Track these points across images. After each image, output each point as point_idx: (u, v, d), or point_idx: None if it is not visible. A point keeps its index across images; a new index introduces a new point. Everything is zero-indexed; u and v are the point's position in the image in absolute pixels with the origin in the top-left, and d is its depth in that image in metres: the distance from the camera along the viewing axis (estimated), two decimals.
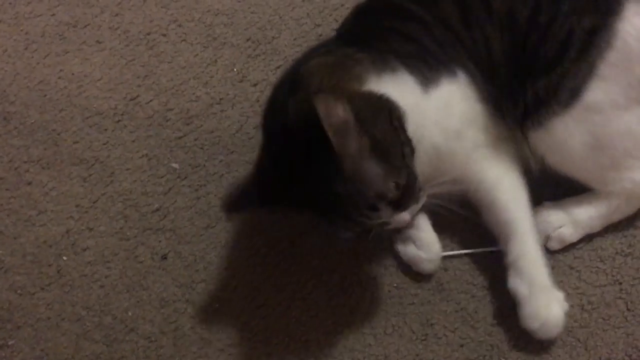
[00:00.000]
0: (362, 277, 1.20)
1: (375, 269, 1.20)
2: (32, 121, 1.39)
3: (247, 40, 1.48)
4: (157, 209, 1.28)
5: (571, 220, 1.16)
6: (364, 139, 0.92)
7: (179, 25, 1.51)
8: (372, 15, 1.14)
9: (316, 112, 0.85)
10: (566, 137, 1.08)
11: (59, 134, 1.38)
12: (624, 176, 1.12)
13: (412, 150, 1.00)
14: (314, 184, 0.94)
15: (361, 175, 0.92)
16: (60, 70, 1.46)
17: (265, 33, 1.47)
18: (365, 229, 0.99)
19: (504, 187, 1.12)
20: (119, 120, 1.39)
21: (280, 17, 1.49)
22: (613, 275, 1.17)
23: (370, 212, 0.95)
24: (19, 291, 1.22)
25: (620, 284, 1.16)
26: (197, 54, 1.47)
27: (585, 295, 1.15)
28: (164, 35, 1.50)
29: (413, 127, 1.00)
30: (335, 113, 0.87)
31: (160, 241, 1.25)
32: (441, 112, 1.07)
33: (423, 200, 1.01)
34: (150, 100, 1.41)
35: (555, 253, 1.18)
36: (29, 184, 1.32)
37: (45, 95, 1.43)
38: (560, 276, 1.17)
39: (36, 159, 1.35)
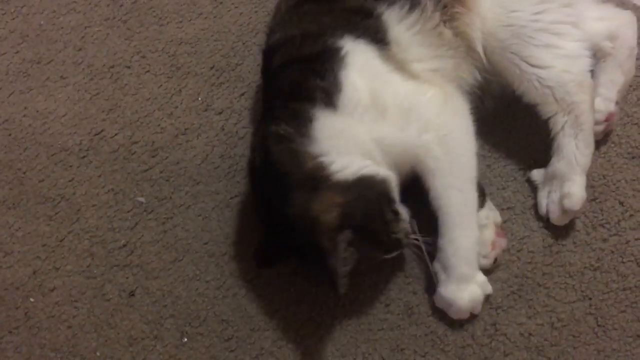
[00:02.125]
0: (330, 306, 1.19)
1: (343, 297, 1.19)
2: None
3: (211, 68, 1.47)
4: (124, 245, 1.28)
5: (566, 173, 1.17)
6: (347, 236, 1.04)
7: (143, 57, 1.51)
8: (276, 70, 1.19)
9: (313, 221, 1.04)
10: None
11: (24, 173, 1.37)
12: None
13: (398, 214, 1.10)
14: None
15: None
16: (25, 108, 1.46)
17: (229, 60, 1.47)
18: None
19: (442, 172, 1.12)
20: (84, 156, 1.38)
21: (244, 44, 1.49)
22: (582, 291, 1.16)
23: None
24: None
25: (590, 299, 1.15)
26: (161, 85, 1.47)
27: (554, 313, 1.15)
28: (128, 67, 1.50)
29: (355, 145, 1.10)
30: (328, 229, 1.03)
31: (127, 277, 1.25)
32: (356, 106, 1.10)
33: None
34: (115, 134, 1.41)
35: (525, 271, 1.17)
36: None
37: (10, 135, 1.42)
38: (529, 294, 1.16)
39: (2, 199, 1.34)
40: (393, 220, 1.09)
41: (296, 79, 1.13)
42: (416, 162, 1.13)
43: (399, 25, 1.18)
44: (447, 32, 1.20)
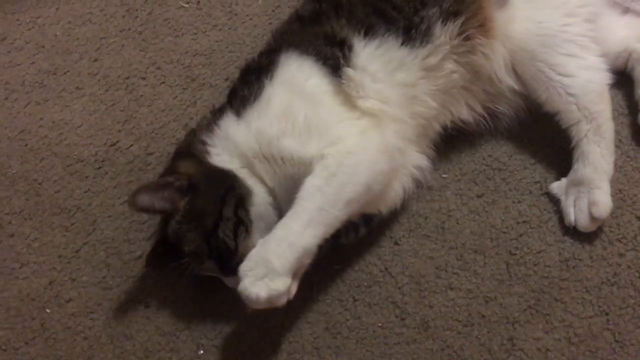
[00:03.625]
0: (347, 318, 1.19)
1: (360, 309, 1.19)
2: (14, 172, 1.40)
3: (226, 80, 1.48)
4: (140, 256, 1.28)
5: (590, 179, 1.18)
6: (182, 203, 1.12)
7: (158, 68, 1.51)
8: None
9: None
10: None
11: (40, 184, 1.38)
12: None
13: (238, 227, 1.12)
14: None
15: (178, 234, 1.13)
16: (41, 119, 1.46)
17: None
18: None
19: (321, 176, 1.09)
20: (99, 167, 1.39)
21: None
22: (599, 306, 1.15)
23: (198, 265, 1.13)
24: (3, 347, 1.21)
25: (607, 314, 1.15)
26: (176, 96, 1.47)
27: (571, 328, 1.14)
28: (143, 78, 1.50)
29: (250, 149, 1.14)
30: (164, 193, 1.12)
31: (143, 289, 1.25)
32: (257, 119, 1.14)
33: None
34: (131, 145, 1.41)
35: (542, 286, 1.17)
36: (12, 236, 1.32)
37: (26, 145, 1.43)
38: (546, 309, 1.16)
39: (18, 210, 1.35)
40: (230, 220, 1.11)
41: (235, 86, 1.23)
42: (305, 172, 1.10)
43: (374, 60, 1.16)
44: (449, 67, 1.20)
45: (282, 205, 1.16)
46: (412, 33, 1.17)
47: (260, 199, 1.15)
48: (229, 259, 1.11)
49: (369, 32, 1.17)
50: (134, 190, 1.12)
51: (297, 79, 1.16)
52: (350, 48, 1.16)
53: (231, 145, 1.16)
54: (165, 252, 1.16)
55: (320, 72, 1.16)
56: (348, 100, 1.16)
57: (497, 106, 1.27)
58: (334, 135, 1.12)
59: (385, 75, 1.17)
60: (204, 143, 1.18)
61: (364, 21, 1.17)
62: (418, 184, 1.25)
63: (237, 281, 1.04)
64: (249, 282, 1.02)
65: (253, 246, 1.08)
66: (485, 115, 1.28)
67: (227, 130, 1.17)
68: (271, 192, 1.16)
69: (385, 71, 1.17)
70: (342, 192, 1.08)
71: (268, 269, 1.02)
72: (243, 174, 1.15)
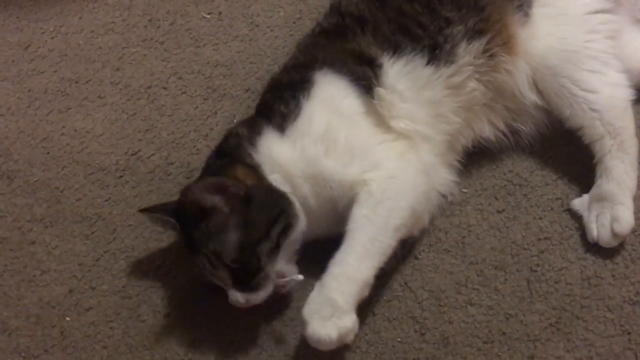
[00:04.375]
0: (366, 332, 1.18)
1: (379, 323, 1.19)
2: (36, 179, 1.41)
3: (246, 90, 1.49)
4: (159, 266, 1.28)
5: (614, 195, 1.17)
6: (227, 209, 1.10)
7: (179, 78, 1.53)
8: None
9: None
10: None
11: (61, 192, 1.39)
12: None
13: (273, 249, 1.10)
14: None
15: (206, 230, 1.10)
16: (63, 127, 1.48)
17: (264, 83, 1.47)
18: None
19: (368, 205, 1.10)
20: (120, 176, 1.40)
21: (279, 67, 1.49)
22: (621, 325, 1.14)
23: (211, 268, 1.10)
24: (22, 354, 1.22)
25: (629, 334, 1.14)
26: (197, 106, 1.48)
27: (593, 347, 1.13)
28: (165, 88, 1.51)
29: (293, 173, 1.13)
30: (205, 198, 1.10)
31: (162, 299, 1.25)
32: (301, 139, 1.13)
33: (259, 297, 1.10)
34: (152, 155, 1.42)
35: (563, 304, 1.16)
36: (33, 243, 1.33)
37: (48, 153, 1.44)
38: (568, 327, 1.15)
39: (39, 217, 1.36)
40: (272, 241, 1.10)
41: (268, 100, 1.23)
42: (349, 196, 1.12)
43: (401, 79, 1.17)
44: (472, 85, 1.20)
45: (311, 225, 1.15)
46: (437, 52, 1.17)
47: (302, 226, 1.14)
48: (249, 275, 1.10)
49: (396, 50, 1.17)
50: (192, 183, 1.15)
51: (335, 98, 1.17)
52: (380, 67, 1.17)
53: (276, 164, 1.15)
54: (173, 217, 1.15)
55: (354, 92, 1.16)
56: (381, 120, 1.16)
57: (519, 122, 1.28)
58: (374, 158, 1.13)
59: (412, 94, 1.18)
60: (251, 157, 1.16)
61: (391, 39, 1.18)
62: (444, 198, 1.25)
63: (242, 297, 1.09)
64: (318, 325, 1.03)
65: (276, 270, 1.11)
66: (507, 132, 1.28)
67: (271, 149, 1.16)
68: (307, 213, 1.15)
69: (412, 90, 1.18)
70: (390, 218, 1.10)
71: (334, 307, 1.04)
72: (294, 200, 1.14)
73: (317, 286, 1.07)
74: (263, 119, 1.20)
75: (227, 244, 1.09)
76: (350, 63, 1.18)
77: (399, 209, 1.11)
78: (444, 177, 1.23)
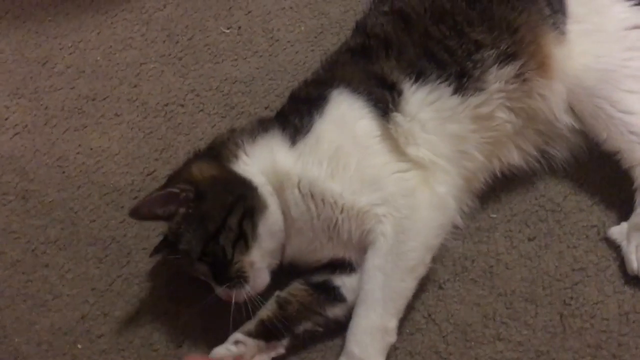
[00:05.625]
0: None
1: (401, 358, 1.12)
2: (50, 200, 1.38)
3: (266, 108, 1.44)
4: (174, 292, 1.24)
5: None
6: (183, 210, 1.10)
7: (197, 95, 1.49)
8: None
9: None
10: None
11: (76, 213, 1.36)
12: None
13: (238, 239, 1.08)
14: None
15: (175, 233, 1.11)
16: (79, 145, 1.45)
17: (284, 100, 1.41)
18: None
19: (381, 253, 1.08)
20: (135, 197, 1.36)
21: (299, 83, 1.45)
22: None
23: (189, 266, 1.11)
24: None
25: None
26: (214, 125, 1.44)
27: None
28: (182, 105, 1.48)
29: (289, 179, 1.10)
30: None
31: (175, 328, 1.21)
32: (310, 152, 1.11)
33: (242, 291, 1.09)
34: (167, 175, 1.38)
35: (599, 341, 1.09)
36: (46, 266, 1.30)
37: (63, 172, 1.42)
38: None
39: (53, 239, 1.33)
40: (233, 231, 1.08)
41: (286, 110, 1.21)
42: (358, 227, 1.10)
43: (424, 108, 1.12)
44: (502, 115, 1.14)
45: (296, 239, 1.13)
46: (464, 81, 1.11)
47: (274, 217, 1.11)
48: (223, 268, 1.09)
49: (419, 77, 1.12)
50: (139, 201, 1.13)
51: (348, 119, 1.12)
52: (399, 93, 1.12)
53: (269, 166, 1.13)
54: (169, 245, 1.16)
55: (370, 114, 1.12)
56: (396, 146, 1.11)
57: (551, 146, 1.21)
58: (386, 192, 1.09)
59: (436, 125, 1.12)
60: (238, 146, 1.16)
61: (415, 64, 1.13)
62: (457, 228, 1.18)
63: (224, 292, 1.09)
64: None
65: (249, 262, 1.09)
66: (539, 156, 1.21)
67: (275, 153, 1.13)
68: (288, 219, 1.12)
69: (435, 121, 1.12)
70: (402, 261, 1.07)
71: (351, 355, 1.04)
72: (264, 190, 1.12)
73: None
74: (277, 124, 1.18)
75: (190, 242, 1.09)
76: (369, 84, 1.13)
77: (411, 250, 1.08)
78: (463, 207, 1.17)
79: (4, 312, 1.26)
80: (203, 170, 1.13)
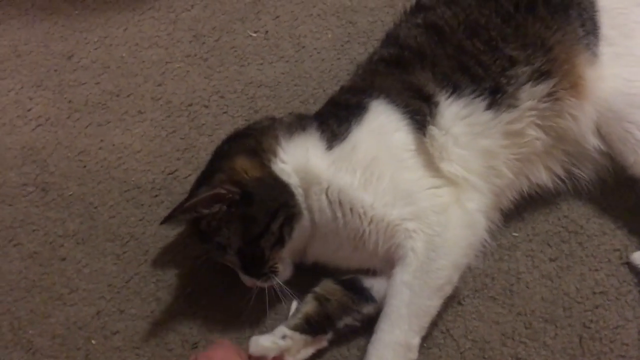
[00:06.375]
0: None
1: None
2: (70, 193, 1.38)
3: (290, 114, 1.42)
4: (190, 292, 1.24)
5: None
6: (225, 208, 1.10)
7: (221, 97, 1.49)
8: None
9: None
10: None
11: (95, 208, 1.36)
12: None
13: (277, 242, 1.11)
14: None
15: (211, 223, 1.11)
16: (101, 141, 1.45)
17: (308, 107, 1.44)
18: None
19: (410, 269, 1.07)
20: (156, 195, 1.36)
21: (324, 91, 1.46)
22: None
23: (219, 255, 1.14)
24: None
25: None
26: (238, 127, 1.43)
27: None
28: (206, 106, 1.48)
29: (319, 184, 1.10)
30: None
31: (191, 328, 1.20)
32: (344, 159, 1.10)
33: (267, 282, 1.12)
34: (189, 175, 1.38)
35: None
36: (63, 259, 1.30)
37: (84, 167, 1.41)
38: None
39: (72, 233, 1.33)
40: (274, 235, 1.10)
41: (325, 112, 1.21)
42: (386, 240, 1.09)
43: (458, 122, 1.12)
44: (532, 133, 1.14)
45: (319, 243, 1.15)
46: (498, 96, 1.11)
47: (305, 222, 1.13)
48: (256, 265, 1.12)
49: (455, 90, 1.11)
50: (185, 202, 1.10)
51: (386, 130, 1.12)
52: (436, 105, 1.12)
53: (303, 164, 1.13)
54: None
55: (406, 127, 1.11)
56: (431, 161, 1.11)
57: (578, 168, 1.20)
58: (418, 207, 1.08)
59: (467, 140, 1.12)
60: (277, 140, 1.15)
61: (450, 77, 1.12)
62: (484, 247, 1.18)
63: (251, 282, 1.12)
64: None
65: (281, 260, 1.12)
66: (565, 177, 1.21)
67: (310, 153, 1.13)
68: (311, 223, 1.13)
69: (468, 136, 1.12)
70: (431, 279, 1.06)
71: None
72: (299, 193, 1.12)
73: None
74: (316, 125, 1.17)
75: (230, 238, 1.11)
76: (407, 95, 1.13)
77: (441, 268, 1.07)
78: (491, 225, 1.17)
79: (19, 303, 1.25)
80: (247, 170, 1.12)
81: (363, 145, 1.12)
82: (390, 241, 1.09)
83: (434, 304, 1.07)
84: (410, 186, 1.10)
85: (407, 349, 1.05)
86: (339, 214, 1.11)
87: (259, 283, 1.13)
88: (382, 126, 1.12)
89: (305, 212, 1.12)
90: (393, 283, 1.07)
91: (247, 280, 1.15)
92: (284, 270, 1.14)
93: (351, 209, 1.09)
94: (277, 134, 1.16)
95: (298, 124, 1.18)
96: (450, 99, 1.12)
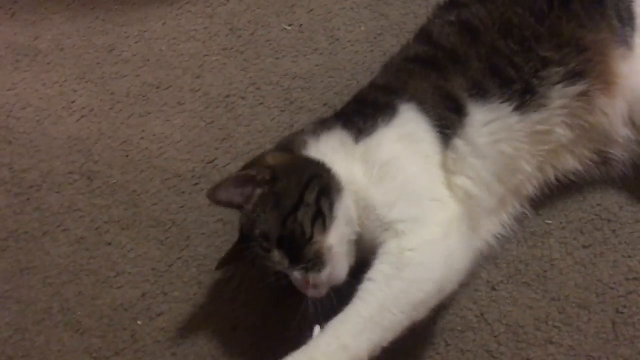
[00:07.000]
0: None
1: (452, 354, 1.15)
2: (114, 181, 1.43)
3: (324, 105, 1.48)
4: (231, 276, 1.28)
5: None
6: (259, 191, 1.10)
7: (257, 88, 1.53)
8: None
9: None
10: None
11: (138, 195, 1.41)
12: None
13: (317, 216, 1.06)
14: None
15: (250, 217, 1.09)
16: (143, 131, 1.50)
17: (342, 98, 1.47)
18: (276, 273, 1.09)
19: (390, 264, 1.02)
20: (196, 183, 1.41)
21: (358, 82, 1.49)
22: None
23: (264, 253, 1.07)
24: (94, 354, 1.24)
25: None
26: (273, 118, 1.48)
27: None
28: (243, 98, 1.52)
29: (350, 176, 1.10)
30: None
31: (232, 310, 1.25)
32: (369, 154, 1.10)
33: (322, 275, 1.04)
34: (227, 164, 1.42)
35: None
36: (109, 244, 1.35)
37: (127, 156, 1.47)
38: None
39: (116, 219, 1.38)
40: (311, 207, 1.06)
41: (349, 111, 1.21)
42: (372, 240, 1.06)
43: (481, 130, 1.10)
44: (559, 132, 1.13)
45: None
46: (527, 97, 1.10)
47: (349, 201, 1.09)
48: (300, 247, 1.05)
49: (484, 96, 1.10)
50: (216, 183, 1.11)
51: (413, 137, 1.11)
52: (466, 115, 1.11)
53: (340, 148, 1.13)
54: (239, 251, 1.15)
55: (433, 139, 1.11)
56: (446, 175, 1.11)
57: (609, 151, 1.19)
58: (420, 211, 1.06)
59: (488, 148, 1.10)
60: (306, 140, 1.16)
61: (481, 83, 1.11)
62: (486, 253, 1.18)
63: (305, 278, 1.04)
64: None
65: (328, 245, 1.05)
66: (597, 159, 1.20)
67: (338, 145, 1.14)
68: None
69: (489, 143, 1.10)
70: (412, 288, 0.99)
71: None
72: (338, 170, 1.10)
73: (309, 343, 0.99)
74: (340, 123, 1.17)
75: (268, 221, 1.07)
76: (440, 106, 1.12)
77: (426, 280, 1.00)
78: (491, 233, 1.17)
79: (68, 286, 1.31)
80: (276, 157, 1.14)
81: (388, 145, 1.11)
82: (379, 238, 1.05)
83: (404, 322, 0.98)
84: (420, 190, 1.08)
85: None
86: (360, 211, 1.09)
87: (309, 278, 1.04)
88: (410, 134, 1.11)
89: (346, 191, 1.08)
90: (372, 273, 1.01)
91: (297, 277, 1.05)
92: (335, 263, 1.05)
93: (365, 206, 1.08)
94: (304, 138, 1.17)
95: (322, 126, 1.18)
96: (478, 106, 1.10)
